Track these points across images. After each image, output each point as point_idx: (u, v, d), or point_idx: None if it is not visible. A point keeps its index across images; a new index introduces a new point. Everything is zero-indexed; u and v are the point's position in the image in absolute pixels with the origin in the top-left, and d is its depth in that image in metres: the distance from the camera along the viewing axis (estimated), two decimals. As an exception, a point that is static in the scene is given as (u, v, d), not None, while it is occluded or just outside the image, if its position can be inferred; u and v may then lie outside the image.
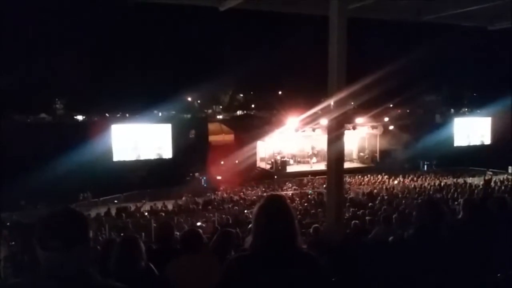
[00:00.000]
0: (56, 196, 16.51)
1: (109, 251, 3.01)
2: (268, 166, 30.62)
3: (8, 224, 15.96)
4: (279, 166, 29.10)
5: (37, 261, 1.56)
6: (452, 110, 56.79)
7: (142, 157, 27.17)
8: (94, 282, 1.57)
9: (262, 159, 31.92)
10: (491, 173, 23.47)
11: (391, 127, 32.84)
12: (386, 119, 34.33)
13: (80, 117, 57.37)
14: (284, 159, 29.65)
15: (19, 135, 32.98)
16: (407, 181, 25.25)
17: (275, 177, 27.69)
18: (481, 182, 18.25)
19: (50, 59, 50.54)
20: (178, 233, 5.11)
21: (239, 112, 61.68)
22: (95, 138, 27.07)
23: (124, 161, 26.71)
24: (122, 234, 9.81)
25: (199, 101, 62.49)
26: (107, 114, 54.42)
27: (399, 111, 44.09)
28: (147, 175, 26.65)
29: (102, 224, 13.76)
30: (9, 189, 20.54)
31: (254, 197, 20.06)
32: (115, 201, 21.90)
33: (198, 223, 13.04)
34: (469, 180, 22.99)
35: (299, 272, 2.04)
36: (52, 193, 17.73)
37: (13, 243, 12.25)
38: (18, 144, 30.13)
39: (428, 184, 22.01)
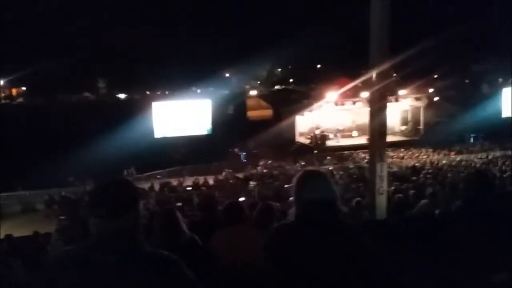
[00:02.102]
0: (102, 172, 17.11)
1: (153, 223, 3.09)
2: (307, 141, 30.38)
3: (57, 199, 16.76)
4: (318, 141, 28.81)
5: (85, 234, 1.60)
6: (500, 79, 54.03)
7: (183, 133, 27.58)
8: (143, 250, 1.60)
9: (301, 134, 31.69)
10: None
11: (435, 99, 31.71)
12: (431, 90, 33.15)
13: (122, 96, 58.73)
14: (324, 134, 29.31)
15: (65, 114, 34.32)
16: (452, 154, 24.46)
17: (315, 151, 27.48)
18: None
19: (91, 40, 51.78)
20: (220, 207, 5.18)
21: (277, 87, 61.16)
22: (137, 115, 27.70)
23: (165, 138, 27.23)
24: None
25: (237, 77, 62.44)
26: (147, 92, 55.42)
27: (444, 81, 42.40)
28: (187, 151, 27.12)
29: (147, 198, 14.19)
30: (57, 166, 21.51)
31: (294, 171, 20.03)
32: (158, 177, 22.47)
33: (240, 198, 13.19)
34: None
35: (343, 242, 2.02)
36: (98, 169, 18.39)
37: (62, 217, 12.85)
38: (64, 122, 31.40)
39: (475, 156, 21.26)
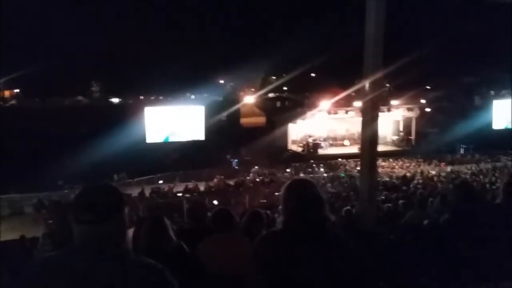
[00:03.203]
0: (92, 177, 17.00)
1: (141, 230, 3.06)
2: (299, 149, 30.46)
3: (46, 203, 16.60)
4: (310, 149, 28.90)
5: (72, 239, 1.58)
6: (492, 92, 54.60)
7: (175, 139, 27.51)
8: (127, 257, 1.58)
9: (293, 142, 31.77)
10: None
11: (427, 109, 31.95)
12: (423, 101, 33.39)
13: (115, 100, 58.56)
14: (316, 142, 29.41)
15: (57, 117, 34.12)
16: (443, 164, 24.63)
17: (307, 159, 27.52)
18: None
19: (86, 43, 51.67)
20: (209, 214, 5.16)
21: (271, 95, 61.28)
22: (130, 120, 27.59)
23: (157, 143, 27.15)
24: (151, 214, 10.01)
25: (231, 84, 62.51)
26: (141, 97, 55.32)
27: (436, 92, 42.79)
28: (179, 157, 27.03)
29: (136, 204, 14.10)
30: (49, 169, 21.35)
31: (285, 179, 20.03)
32: (154, 181, 22.36)
33: (230, 204, 13.16)
34: (509, 163, 22.24)
35: (330, 250, 2.03)
36: (88, 173, 18.27)
37: (51, 221, 12.71)
38: (56, 126, 31.21)
39: (465, 167, 21.41)
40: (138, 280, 1.51)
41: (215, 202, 13.08)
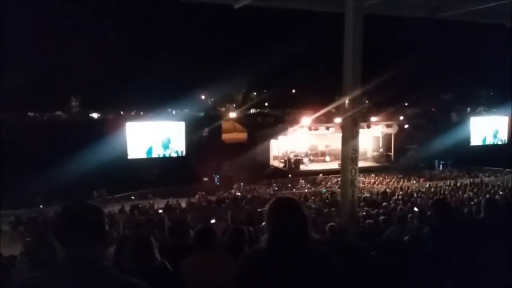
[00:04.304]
0: (71, 194, 16.70)
1: (123, 248, 3.02)
2: (281, 165, 30.54)
3: (23, 221, 16.21)
4: (292, 165, 29.02)
5: (53, 257, 1.56)
6: (468, 109, 55.96)
7: (156, 155, 27.30)
8: (111, 276, 1.57)
9: (275, 158, 31.85)
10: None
11: (406, 126, 32.50)
12: (401, 117, 33.96)
13: (95, 115, 57.93)
14: (298, 158, 29.56)
15: (35, 133, 33.53)
16: (422, 180, 24.99)
17: (289, 175, 27.60)
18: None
19: (65, 58, 51.22)
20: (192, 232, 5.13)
21: (252, 111, 61.60)
22: (110, 135, 27.27)
23: (138, 159, 26.89)
24: (134, 232, 9.86)
25: (212, 100, 62.65)
26: (121, 112, 54.88)
27: (414, 109, 43.64)
28: (160, 173, 26.80)
29: (116, 221, 13.88)
30: (25, 186, 20.87)
31: (267, 195, 20.04)
32: (132, 198, 22.08)
33: (212, 221, 13.06)
34: (486, 179, 22.68)
35: (314, 268, 2.05)
36: (67, 190, 17.93)
37: (29, 239, 12.42)
38: (34, 141, 30.63)
39: (444, 183, 21.76)
40: None
41: (213, 221, 12.91)
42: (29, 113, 51.65)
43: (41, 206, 19.41)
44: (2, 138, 31.46)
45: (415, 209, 10.50)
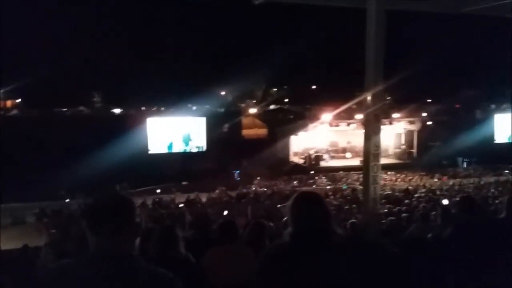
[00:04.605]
0: (94, 187, 17.00)
1: (148, 239, 3.07)
2: (301, 161, 30.46)
3: (48, 213, 16.59)
4: (312, 161, 28.91)
5: (77, 249, 1.61)
6: (493, 106, 54.61)
7: (177, 150, 27.59)
8: (140, 267, 1.61)
9: (295, 154, 31.78)
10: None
11: (429, 123, 32.00)
12: (424, 114, 33.43)
13: (117, 110, 58.65)
14: (318, 154, 29.42)
15: (59, 127, 34.20)
16: (445, 178, 24.59)
17: (312, 172, 27.49)
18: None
19: (88, 53, 52.00)
20: (214, 225, 5.17)
21: (272, 107, 61.45)
22: (131, 131, 27.67)
23: (159, 154, 27.20)
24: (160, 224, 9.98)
25: (232, 95, 62.76)
26: (143, 108, 55.42)
27: (438, 106, 42.85)
28: (181, 168, 27.07)
29: (138, 214, 14.07)
30: (49, 180, 21.36)
31: (287, 191, 20.02)
32: (157, 191, 22.36)
33: (224, 213, 13.12)
34: (511, 178, 22.19)
35: (338, 263, 2.05)
36: (90, 184, 18.26)
37: (53, 231, 12.71)
38: (58, 135, 31.27)
39: (467, 181, 21.36)
40: None
41: (225, 212, 13.06)
42: (52, 108, 52.57)
43: (66, 200, 19.80)
44: (28, 133, 32.23)
45: (439, 206, 10.34)
